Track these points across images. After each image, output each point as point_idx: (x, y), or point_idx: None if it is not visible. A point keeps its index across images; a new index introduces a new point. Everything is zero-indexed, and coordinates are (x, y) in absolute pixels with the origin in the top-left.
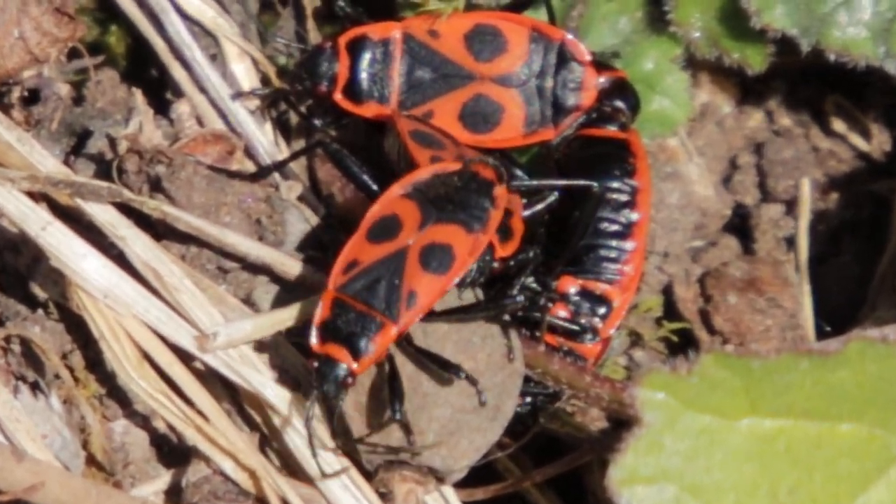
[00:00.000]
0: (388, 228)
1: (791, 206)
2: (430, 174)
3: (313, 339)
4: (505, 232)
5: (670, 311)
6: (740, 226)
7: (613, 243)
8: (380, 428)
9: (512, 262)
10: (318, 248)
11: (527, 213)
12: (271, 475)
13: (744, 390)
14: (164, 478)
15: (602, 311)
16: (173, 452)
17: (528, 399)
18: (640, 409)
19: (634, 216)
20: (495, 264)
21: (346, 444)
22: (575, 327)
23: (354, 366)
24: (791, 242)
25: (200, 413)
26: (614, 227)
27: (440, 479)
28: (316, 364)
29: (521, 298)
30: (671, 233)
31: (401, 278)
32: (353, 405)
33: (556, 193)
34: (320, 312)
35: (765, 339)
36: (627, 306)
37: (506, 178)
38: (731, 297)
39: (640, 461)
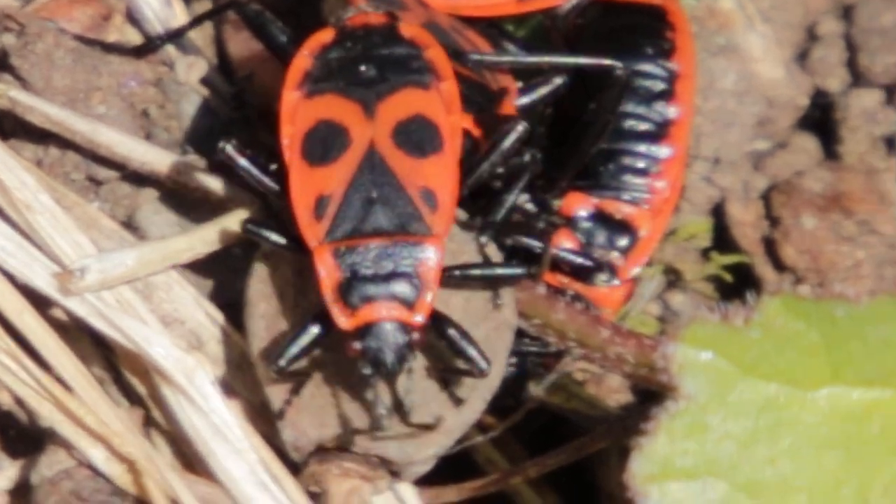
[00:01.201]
0: (329, 139)
1: (893, 92)
2: (318, 53)
3: (338, 313)
4: (492, 125)
5: (722, 239)
6: (821, 120)
7: (642, 148)
8: (313, 401)
9: (493, 157)
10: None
11: (523, 99)
12: (159, 468)
13: (823, 348)
14: (8, 472)
15: (623, 242)
16: (21, 437)
17: (517, 360)
18: (678, 376)
19: (672, 111)
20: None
21: (267, 425)
22: (586, 263)
23: (417, 318)
24: (892, 144)
25: (60, 381)
26: (644, 126)
27: (395, 474)
28: (359, 344)
29: (520, 270)
30: (725, 130)
31: (396, 182)
32: (263, 316)
33: (563, 76)
34: (327, 277)
35: (854, 278)
36: (659, 236)
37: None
38: (808, 220)
39: (676, 448)
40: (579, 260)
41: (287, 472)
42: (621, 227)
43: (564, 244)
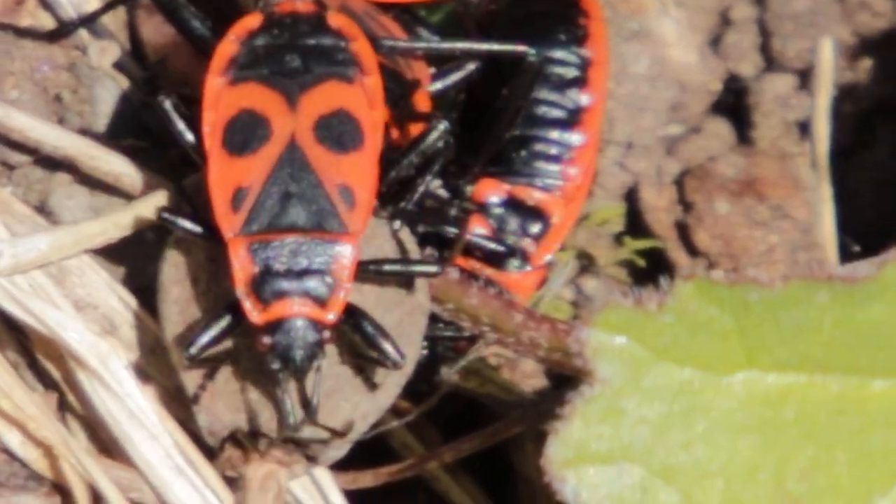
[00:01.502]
0: (250, 129)
1: (805, 77)
2: (244, 39)
3: (249, 307)
4: (404, 111)
5: (635, 224)
6: (734, 105)
7: (554, 135)
8: (228, 386)
9: (413, 155)
10: (141, 135)
11: (436, 84)
12: (75, 453)
13: (738, 333)
14: None
15: (536, 228)
16: None
17: (431, 345)
18: (592, 361)
19: (584, 98)
20: (393, 133)
21: (182, 409)
22: (498, 249)
23: (329, 316)
24: (805, 129)
25: None
26: (556, 113)
27: (311, 459)
28: (268, 338)
29: (434, 268)
30: (638, 115)
31: (314, 178)
32: (176, 301)
33: (476, 62)
34: (240, 270)
35: (768, 263)
36: (572, 223)
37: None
38: (721, 205)
39: (591, 433)
40: (492, 245)
41: (203, 457)
42: (533, 213)
43: (477, 230)
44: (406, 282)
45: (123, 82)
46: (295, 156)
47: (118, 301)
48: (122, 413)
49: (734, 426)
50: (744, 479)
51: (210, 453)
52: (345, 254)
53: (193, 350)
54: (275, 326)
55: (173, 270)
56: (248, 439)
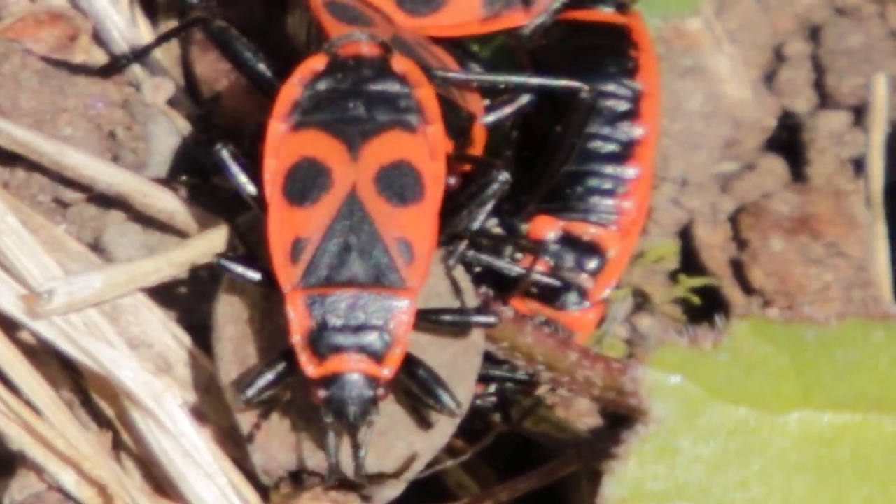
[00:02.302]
0: (311, 179)
1: (860, 113)
2: (308, 82)
3: (305, 361)
4: (460, 141)
5: (690, 261)
6: (788, 142)
7: (608, 169)
8: (283, 425)
9: (472, 205)
10: (195, 172)
11: (490, 116)
12: (129, 492)
13: (793, 372)
14: None
15: (593, 264)
16: None
17: (493, 388)
18: (647, 400)
19: (637, 131)
20: (451, 180)
21: (237, 448)
22: (555, 285)
23: (385, 372)
24: (859, 165)
25: (29, 405)
26: (610, 147)
27: (366, 499)
28: (324, 393)
29: (493, 319)
30: (692, 152)
31: (374, 231)
32: (232, 346)
33: (529, 95)
34: (297, 323)
35: (823, 300)
36: (628, 257)
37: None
38: (776, 243)
39: (646, 472)
40: (549, 281)
41: (258, 497)
42: (590, 248)
43: (534, 269)
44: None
45: (177, 119)
46: (355, 207)
47: (172, 339)
48: (176, 452)
49: (789, 465)
50: None
51: (265, 493)
52: (403, 309)
53: (250, 393)
54: (330, 381)
55: (228, 309)
56: (303, 479)
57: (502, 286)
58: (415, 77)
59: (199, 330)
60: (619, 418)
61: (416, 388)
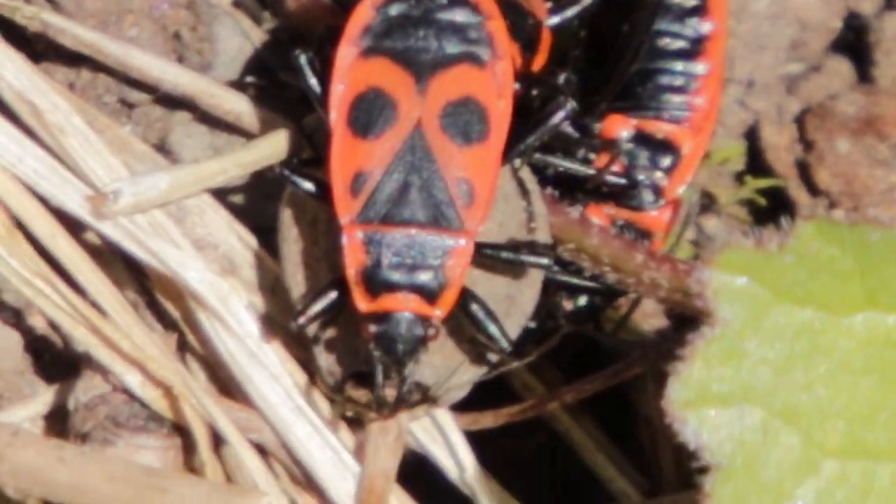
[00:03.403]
0: (377, 111)
1: None
2: (380, 6)
3: (358, 296)
4: (525, 43)
5: (756, 163)
6: (854, 43)
7: (678, 66)
8: (349, 328)
9: (535, 92)
10: (261, 74)
11: (554, 18)
12: (195, 393)
13: (858, 273)
14: (44, 397)
15: (666, 161)
16: (56, 362)
17: (583, 300)
18: (713, 301)
19: (706, 26)
20: (516, 85)
21: (302, 350)
22: (625, 183)
23: (436, 311)
24: None
25: (94, 305)
26: (679, 44)
27: (431, 400)
28: (375, 328)
29: (547, 260)
30: (758, 53)
31: (435, 169)
32: (300, 269)
33: None
34: (352, 257)
35: (889, 203)
36: (702, 153)
37: None
38: (842, 144)
39: (712, 374)
40: (620, 181)
41: (323, 398)
42: (663, 146)
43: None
44: (527, 219)
45: (243, 20)
46: (419, 144)
47: (238, 241)
48: (242, 353)
49: (855, 367)
50: (865, 420)
51: (330, 394)
52: (459, 251)
53: (302, 320)
54: (381, 317)
55: (294, 210)
56: (368, 380)
57: (574, 187)
58: (487, 8)
59: (265, 231)
60: (685, 320)
61: (469, 321)
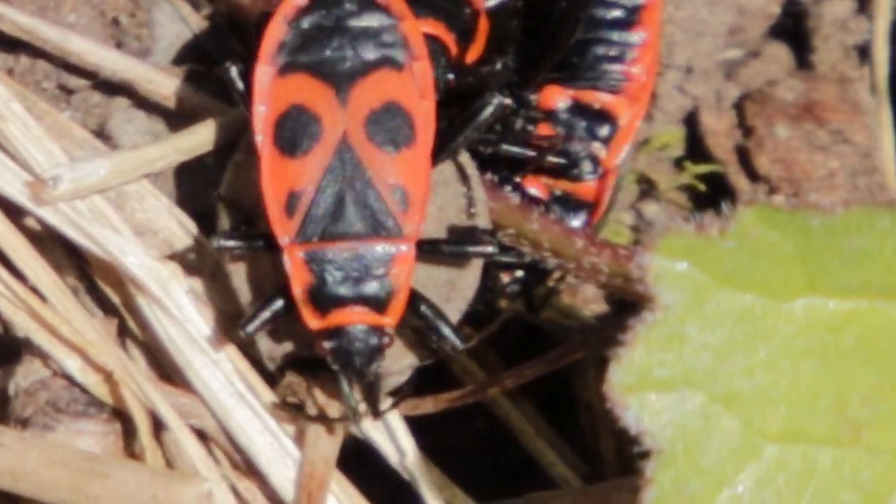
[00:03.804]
0: (301, 128)
1: (864, 1)
2: (292, 19)
3: (307, 315)
4: (462, 31)
5: (695, 148)
6: (793, 29)
7: (615, 35)
8: (289, 314)
9: (470, 77)
10: (200, 59)
11: (491, 1)
12: (135, 378)
13: (799, 259)
14: None
15: (604, 131)
16: None
17: (519, 274)
18: (654, 286)
19: None
20: (450, 76)
21: (237, 332)
22: (562, 160)
23: (387, 320)
24: (865, 52)
25: (35, 291)
26: (615, 13)
27: (371, 386)
28: (329, 345)
29: (491, 248)
30: (696, 39)
31: (367, 179)
32: (248, 280)
33: None
34: (297, 278)
35: (828, 188)
36: (638, 123)
37: None
38: (781, 130)
39: (653, 359)
40: (558, 160)
41: (263, 383)
42: (600, 116)
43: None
44: (466, 205)
45: (181, 6)
46: (347, 156)
47: (178, 226)
48: (182, 338)
49: (796, 352)
50: (805, 404)
51: (270, 379)
52: (402, 257)
53: (250, 329)
54: (333, 333)
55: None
56: (308, 364)
57: (514, 164)
58: (398, 8)
59: (205, 216)
60: (626, 305)
61: (418, 322)
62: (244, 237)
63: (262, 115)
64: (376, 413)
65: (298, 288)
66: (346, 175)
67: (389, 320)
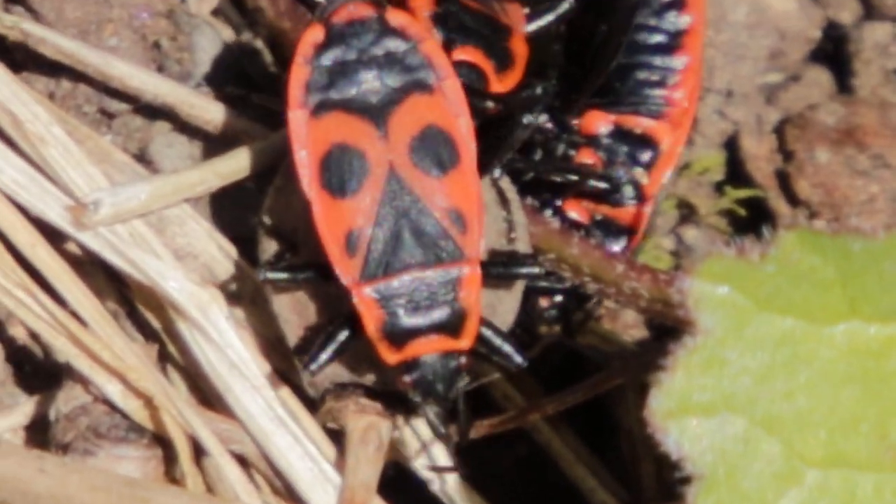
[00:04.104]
0: (347, 167)
1: None
2: (312, 58)
3: (384, 350)
4: (501, 58)
5: (736, 173)
6: (834, 53)
7: (657, 60)
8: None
9: (513, 102)
10: (241, 83)
11: (531, 26)
12: (175, 403)
13: (840, 283)
14: (25, 407)
15: (646, 156)
16: (37, 372)
17: (558, 299)
18: (695, 311)
19: (684, 20)
20: (489, 104)
21: (282, 360)
22: (604, 184)
23: (463, 343)
24: None
25: (75, 316)
26: (657, 38)
27: (411, 410)
28: (411, 377)
29: (538, 269)
30: (737, 63)
31: (422, 207)
32: (291, 306)
33: (570, 0)
34: (369, 316)
35: (869, 213)
36: (680, 148)
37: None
38: (822, 154)
39: (693, 384)
40: (600, 185)
41: (304, 409)
42: (642, 141)
43: (586, 163)
44: (507, 229)
45: (222, 30)
46: (397, 187)
47: (218, 250)
48: (222, 364)
49: (836, 377)
50: (846, 429)
51: (311, 405)
52: (468, 279)
53: (314, 367)
54: (412, 365)
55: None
56: (349, 391)
57: (554, 188)
58: (415, 30)
59: (245, 241)
60: (666, 330)
61: (482, 346)
62: (290, 269)
63: (304, 160)
64: (465, 434)
65: (371, 325)
66: (399, 206)
67: (465, 342)
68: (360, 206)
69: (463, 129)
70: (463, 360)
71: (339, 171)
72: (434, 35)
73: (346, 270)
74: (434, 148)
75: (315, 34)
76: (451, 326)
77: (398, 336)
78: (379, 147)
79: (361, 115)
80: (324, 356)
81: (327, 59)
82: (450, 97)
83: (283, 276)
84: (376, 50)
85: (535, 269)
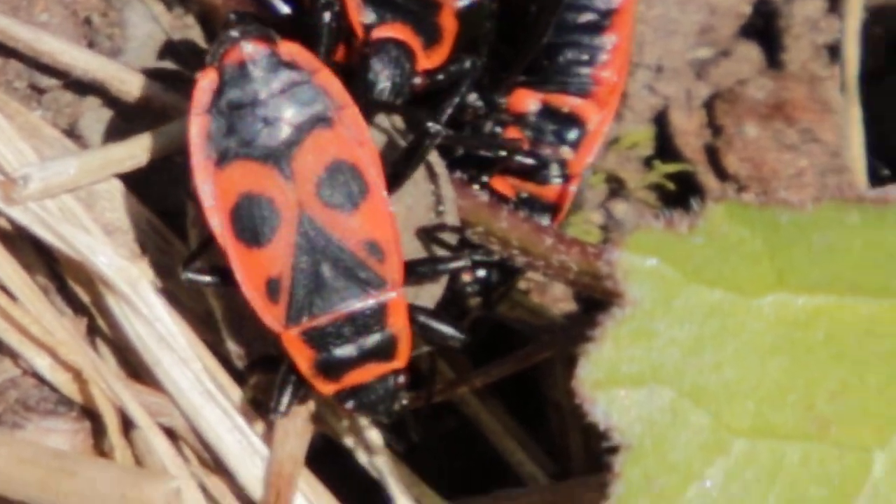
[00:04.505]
0: (257, 216)
1: (835, 0)
2: (209, 105)
3: (322, 387)
4: (430, 33)
5: (665, 147)
6: (764, 28)
7: (585, 39)
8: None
9: (441, 76)
10: (172, 59)
11: (462, 2)
12: (104, 377)
13: (768, 255)
14: None
15: (573, 134)
16: None
17: (481, 273)
18: (623, 282)
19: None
20: (416, 79)
21: (211, 333)
22: (531, 160)
23: (397, 363)
24: (835, 52)
25: (4, 290)
26: (587, 17)
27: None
28: (351, 404)
29: (464, 262)
30: (667, 38)
31: (336, 244)
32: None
33: None
34: (300, 357)
35: (797, 186)
36: (607, 127)
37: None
38: (751, 128)
39: (622, 355)
40: (527, 161)
41: (232, 382)
42: (569, 120)
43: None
44: (435, 203)
45: (153, 5)
46: (310, 227)
47: (147, 225)
48: (151, 337)
49: (764, 348)
50: (773, 400)
51: (240, 378)
52: (394, 305)
53: (282, 409)
54: (349, 393)
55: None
56: (277, 364)
57: (482, 165)
58: (306, 60)
59: (174, 215)
60: (594, 304)
61: (419, 331)
62: (216, 272)
63: (215, 213)
64: (416, 430)
65: (304, 365)
66: (315, 246)
67: (399, 363)
68: (276, 254)
69: (367, 158)
70: (401, 378)
71: (250, 221)
72: (326, 68)
73: (271, 318)
74: (341, 183)
75: (209, 79)
76: (384, 353)
77: (332, 370)
78: (286, 191)
79: (265, 161)
80: (284, 403)
81: (223, 104)
82: (350, 127)
83: (204, 279)
84: (273, 87)
85: (461, 263)
